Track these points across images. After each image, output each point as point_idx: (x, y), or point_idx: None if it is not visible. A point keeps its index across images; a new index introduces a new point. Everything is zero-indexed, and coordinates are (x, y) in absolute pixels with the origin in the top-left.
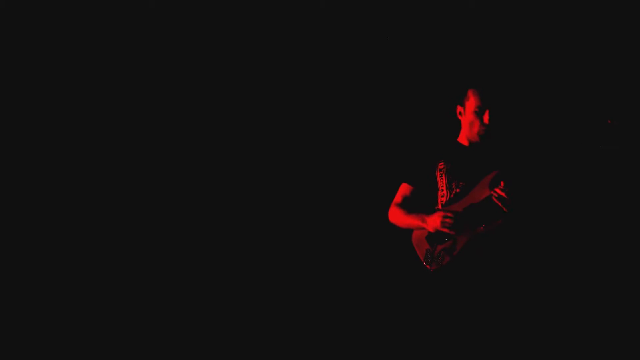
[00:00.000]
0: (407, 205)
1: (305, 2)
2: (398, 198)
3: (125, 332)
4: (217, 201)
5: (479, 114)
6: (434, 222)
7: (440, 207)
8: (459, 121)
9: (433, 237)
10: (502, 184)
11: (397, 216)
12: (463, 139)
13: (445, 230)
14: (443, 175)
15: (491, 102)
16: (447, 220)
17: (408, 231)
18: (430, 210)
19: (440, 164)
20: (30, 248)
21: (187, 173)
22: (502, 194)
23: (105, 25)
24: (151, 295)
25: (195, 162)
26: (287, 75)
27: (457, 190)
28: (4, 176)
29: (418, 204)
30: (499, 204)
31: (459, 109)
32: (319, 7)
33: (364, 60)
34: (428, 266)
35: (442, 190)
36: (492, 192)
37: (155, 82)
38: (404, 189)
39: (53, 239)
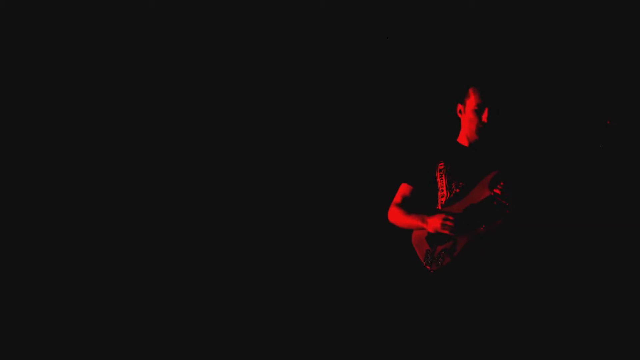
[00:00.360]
0: (407, 206)
1: (305, 2)
2: (398, 198)
3: (125, 332)
4: (218, 201)
5: (478, 112)
6: (434, 223)
7: (440, 207)
8: (459, 122)
9: (433, 238)
10: (502, 183)
11: (396, 216)
12: (463, 139)
13: (446, 232)
14: (443, 175)
15: (491, 101)
16: (448, 223)
17: (408, 231)
18: (430, 210)
19: (440, 164)
20: (30, 248)
21: (187, 173)
22: (498, 192)
23: (106, 25)
24: (151, 295)
25: (195, 162)
26: (287, 76)
27: (457, 190)
28: (4, 176)
29: (418, 204)
30: (503, 201)
31: (459, 107)
32: (319, 7)
33: (363, 61)
34: (428, 267)
35: (442, 190)
36: (492, 193)
37: (155, 82)
38: (403, 189)
39: (53, 239)
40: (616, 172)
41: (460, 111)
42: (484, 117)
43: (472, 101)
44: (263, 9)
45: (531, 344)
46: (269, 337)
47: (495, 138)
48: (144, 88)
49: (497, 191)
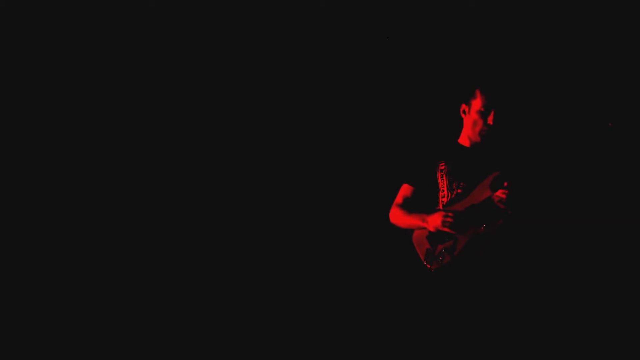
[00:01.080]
0: (408, 206)
1: (305, 2)
2: (399, 199)
3: (125, 332)
4: (218, 202)
5: (483, 114)
6: (434, 221)
7: (441, 207)
8: (461, 122)
9: (434, 237)
10: (505, 184)
11: (398, 217)
12: (464, 139)
13: (446, 229)
14: (444, 176)
15: (497, 103)
16: (448, 220)
17: (408, 231)
18: (431, 210)
19: (441, 164)
20: (30, 248)
21: (187, 173)
22: (503, 196)
23: (106, 25)
24: (151, 295)
25: (195, 162)
26: (287, 76)
27: (459, 190)
28: (4, 176)
29: (419, 205)
30: (500, 205)
31: (464, 107)
32: (319, 6)
33: (364, 61)
34: (428, 265)
35: (443, 190)
36: (494, 194)
37: (155, 82)
38: (405, 190)
39: (53, 239)
40: (616, 173)
41: (464, 111)
42: (490, 120)
43: (477, 102)
44: (263, 9)
45: (531, 343)
46: (269, 337)
47: (497, 139)
48: (144, 88)
49: (501, 195)
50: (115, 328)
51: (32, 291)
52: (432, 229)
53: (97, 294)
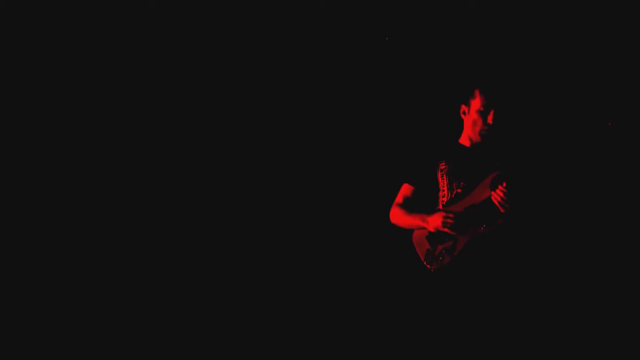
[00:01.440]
0: (409, 206)
1: (305, 2)
2: (399, 198)
3: (125, 332)
4: (218, 202)
5: (483, 113)
6: (434, 222)
7: (441, 207)
8: (461, 122)
9: (434, 237)
10: (504, 184)
11: (398, 216)
12: (465, 139)
13: (446, 230)
14: (444, 175)
15: (496, 103)
16: (449, 220)
17: (409, 231)
18: (431, 210)
19: (442, 164)
20: (30, 248)
21: (187, 173)
22: (502, 194)
23: (106, 25)
24: (151, 295)
25: (195, 163)
26: (287, 76)
27: (459, 190)
28: (4, 176)
29: (419, 204)
30: (497, 204)
31: (463, 108)
32: (319, 6)
33: (365, 61)
34: (428, 266)
35: (444, 190)
36: (492, 192)
37: (155, 82)
38: (405, 190)
39: (53, 239)
40: (616, 173)
41: (464, 112)
42: (490, 119)
43: (477, 102)
44: (263, 9)
45: (531, 343)
46: (269, 337)
47: (497, 139)
48: (144, 88)
49: (500, 193)
50: (115, 328)
51: (31, 291)
52: (432, 229)
53: (97, 293)
